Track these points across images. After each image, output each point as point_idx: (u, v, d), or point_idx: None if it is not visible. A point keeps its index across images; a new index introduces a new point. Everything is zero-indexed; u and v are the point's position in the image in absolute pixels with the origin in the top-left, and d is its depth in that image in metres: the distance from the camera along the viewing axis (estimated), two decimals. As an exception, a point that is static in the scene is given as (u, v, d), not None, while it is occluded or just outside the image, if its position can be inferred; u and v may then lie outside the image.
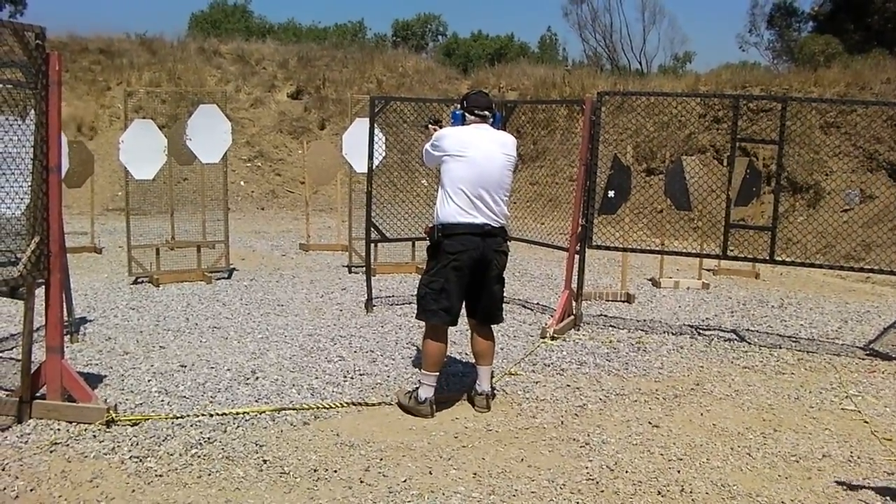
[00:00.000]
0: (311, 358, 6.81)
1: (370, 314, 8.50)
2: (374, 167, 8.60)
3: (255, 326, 7.87)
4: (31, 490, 4.19)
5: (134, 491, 4.22)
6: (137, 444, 4.81)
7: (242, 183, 19.48)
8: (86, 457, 4.61)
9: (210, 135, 9.94)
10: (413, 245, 10.81)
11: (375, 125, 8.62)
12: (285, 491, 4.28)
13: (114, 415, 5.10)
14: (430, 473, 4.55)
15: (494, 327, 5.75)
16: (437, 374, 5.52)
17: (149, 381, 6.06)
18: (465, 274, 5.39)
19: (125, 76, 20.72)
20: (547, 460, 4.79)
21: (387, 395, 5.82)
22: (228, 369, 6.41)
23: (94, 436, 4.90)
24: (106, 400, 5.39)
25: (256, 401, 5.68)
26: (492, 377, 5.80)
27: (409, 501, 4.19)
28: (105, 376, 6.13)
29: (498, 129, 5.72)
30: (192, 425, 5.15)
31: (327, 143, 16.13)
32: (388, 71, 23.76)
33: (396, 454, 4.80)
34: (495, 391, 5.85)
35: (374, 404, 5.64)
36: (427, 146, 5.69)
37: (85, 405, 5.13)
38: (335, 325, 8.01)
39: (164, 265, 10.13)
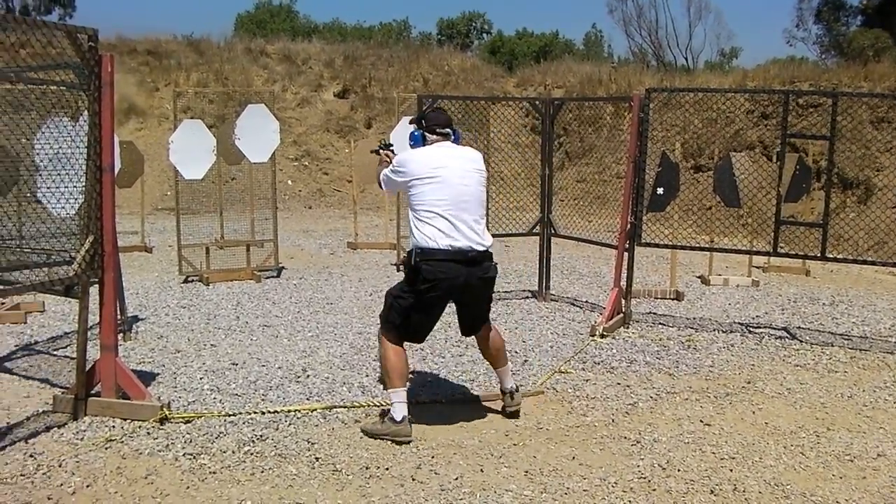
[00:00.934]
0: (361, 356, 6.84)
1: (418, 312, 8.49)
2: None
3: (305, 324, 7.93)
4: (88, 486, 4.26)
5: (188, 487, 4.27)
6: (191, 441, 4.87)
7: (290, 182, 19.62)
8: (140, 454, 4.68)
9: (258, 134, 10.03)
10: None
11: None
12: (337, 488, 4.30)
13: (167, 412, 5.17)
14: (482, 471, 4.55)
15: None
16: (406, 388, 5.06)
17: (201, 378, 6.14)
18: (440, 304, 5.10)
19: (173, 77, 20.96)
20: (598, 458, 4.76)
21: (436, 393, 5.84)
22: (279, 367, 6.47)
23: (149, 433, 4.97)
24: (159, 397, 5.48)
25: (307, 398, 5.72)
26: (511, 373, 5.52)
27: (460, 499, 4.19)
28: (158, 374, 6.22)
29: (459, 144, 5.38)
30: (244, 423, 5.19)
31: (374, 141, 16.16)
32: (433, 69, 23.76)
33: (448, 452, 4.81)
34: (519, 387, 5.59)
35: (424, 402, 5.64)
36: (386, 171, 5.32)
37: (139, 402, 5.21)
38: (383, 323, 8.01)
39: (213, 264, 10.23)
